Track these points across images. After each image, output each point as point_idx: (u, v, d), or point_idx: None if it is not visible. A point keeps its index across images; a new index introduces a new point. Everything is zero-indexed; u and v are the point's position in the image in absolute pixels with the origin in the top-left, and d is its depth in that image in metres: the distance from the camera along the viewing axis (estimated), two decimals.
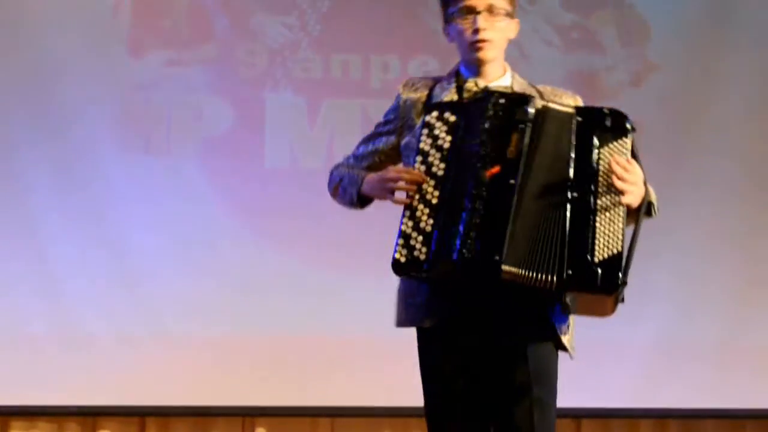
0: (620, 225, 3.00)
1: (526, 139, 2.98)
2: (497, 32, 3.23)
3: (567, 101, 3.21)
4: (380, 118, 3.39)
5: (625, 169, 3.00)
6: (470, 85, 3.24)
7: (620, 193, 2.99)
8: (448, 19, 3.27)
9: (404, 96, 3.32)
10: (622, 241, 2.97)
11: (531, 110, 3.00)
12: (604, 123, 3.04)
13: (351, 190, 3.31)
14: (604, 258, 2.94)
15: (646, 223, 5.69)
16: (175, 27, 5.83)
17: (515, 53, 5.86)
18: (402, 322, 3.23)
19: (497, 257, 2.89)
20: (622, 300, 3.02)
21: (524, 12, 5.88)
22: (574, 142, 3.01)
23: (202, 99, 5.82)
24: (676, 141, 5.93)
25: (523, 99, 3.04)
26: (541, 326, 3.12)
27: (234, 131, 5.81)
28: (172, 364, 5.65)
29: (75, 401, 5.66)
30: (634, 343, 5.74)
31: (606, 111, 3.06)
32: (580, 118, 3.03)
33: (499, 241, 2.90)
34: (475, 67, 3.26)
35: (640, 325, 5.71)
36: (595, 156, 3.00)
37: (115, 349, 5.64)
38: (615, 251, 2.95)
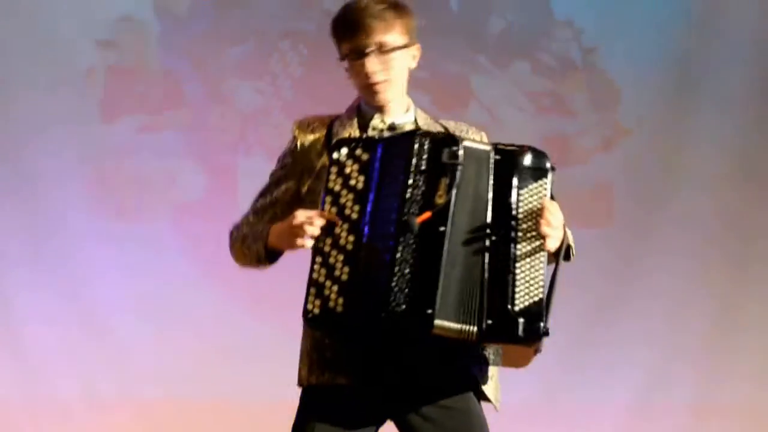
0: (541, 271, 2.80)
1: (456, 184, 2.76)
2: (392, 71, 2.97)
3: (473, 137, 3.01)
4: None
5: (550, 213, 2.81)
6: (376, 122, 3.01)
7: (543, 238, 2.80)
8: (342, 58, 3.04)
9: (300, 139, 3.05)
10: (543, 287, 2.80)
11: (460, 152, 2.78)
12: (523, 162, 2.83)
13: (256, 246, 3.00)
14: (525, 306, 2.76)
15: (621, 288, 5.80)
16: (147, 92, 5.84)
17: (486, 118, 5.96)
18: (305, 379, 2.98)
19: (430, 311, 2.70)
20: (540, 350, 2.83)
21: (495, 77, 5.94)
22: (492, 182, 2.81)
23: (175, 164, 5.81)
24: (647, 205, 5.96)
25: (451, 139, 2.83)
26: (463, 379, 2.93)
27: (207, 196, 5.80)
28: (146, 430, 5.60)
29: None
30: (607, 406, 5.73)
31: (525, 149, 2.86)
32: (498, 157, 2.83)
33: (432, 293, 2.71)
34: (376, 107, 3.02)
35: (612, 387, 5.72)
36: (514, 197, 2.81)
37: (88, 416, 5.59)
38: (536, 299, 2.77)
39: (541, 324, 2.77)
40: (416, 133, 2.85)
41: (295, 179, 3.05)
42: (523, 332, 2.75)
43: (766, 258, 5.97)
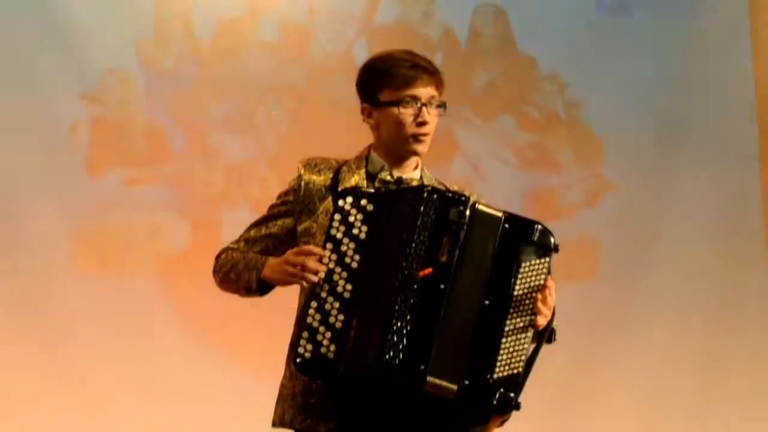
0: (526, 345, 2.85)
1: (459, 243, 2.82)
2: (434, 126, 3.06)
3: None
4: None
5: (550, 294, 2.89)
6: (384, 175, 3.05)
7: (535, 314, 2.87)
8: (378, 104, 3.05)
9: (306, 177, 3.10)
10: (524, 362, 2.84)
11: (467, 212, 2.84)
12: (531, 237, 2.88)
13: (248, 275, 3.04)
14: (503, 376, 2.81)
15: (605, 341, 5.79)
16: (132, 146, 5.83)
17: (471, 171, 5.98)
18: (288, 423, 2.99)
19: (423, 367, 2.75)
20: (506, 421, 2.89)
21: (480, 131, 5.96)
22: (497, 249, 2.86)
23: (160, 217, 5.80)
24: (632, 260, 5.97)
25: (459, 199, 2.87)
26: None
27: (191, 250, 5.79)
28: None
29: None
30: None
31: (535, 224, 2.90)
32: (507, 225, 2.88)
33: (427, 350, 2.75)
34: (396, 157, 3.07)
35: None
36: (515, 269, 2.86)
37: None
38: (515, 371, 2.83)
39: (514, 396, 2.82)
40: (424, 188, 2.89)
41: (293, 217, 3.09)
42: (496, 401, 2.80)
43: (748, 312, 6.00)
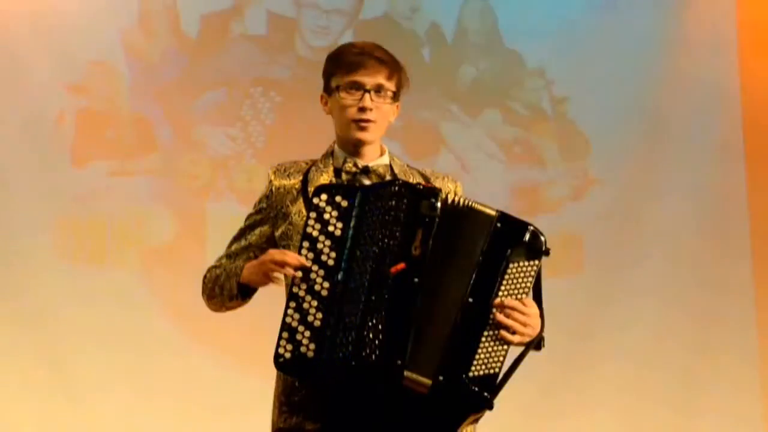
0: (506, 346, 2.84)
1: (432, 236, 2.81)
2: (381, 114, 3.05)
3: (448, 185, 3.11)
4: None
5: (523, 313, 2.86)
6: (349, 165, 3.06)
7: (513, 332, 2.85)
8: (330, 91, 3.10)
9: (276, 183, 3.10)
10: (502, 363, 2.84)
11: (438, 204, 2.83)
12: (522, 238, 2.86)
13: (229, 284, 3.05)
14: (479, 375, 2.80)
15: (589, 337, 5.80)
16: (118, 137, 5.83)
17: (456, 166, 5.99)
18: (276, 423, 3.00)
19: (399, 362, 2.76)
20: (477, 421, 2.91)
21: (466, 126, 5.97)
22: (485, 246, 2.85)
23: (145, 209, 5.80)
24: (616, 255, 5.98)
25: (430, 192, 2.86)
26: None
27: (176, 241, 5.79)
28: None
29: None
30: None
31: (527, 226, 2.89)
32: (499, 225, 2.87)
33: (403, 345, 2.75)
34: (352, 147, 3.08)
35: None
36: (503, 268, 2.85)
37: None
38: (492, 372, 2.82)
39: (488, 396, 2.81)
40: (395, 182, 2.89)
41: (269, 223, 3.10)
42: (468, 399, 2.80)
43: (733, 308, 6.02)
